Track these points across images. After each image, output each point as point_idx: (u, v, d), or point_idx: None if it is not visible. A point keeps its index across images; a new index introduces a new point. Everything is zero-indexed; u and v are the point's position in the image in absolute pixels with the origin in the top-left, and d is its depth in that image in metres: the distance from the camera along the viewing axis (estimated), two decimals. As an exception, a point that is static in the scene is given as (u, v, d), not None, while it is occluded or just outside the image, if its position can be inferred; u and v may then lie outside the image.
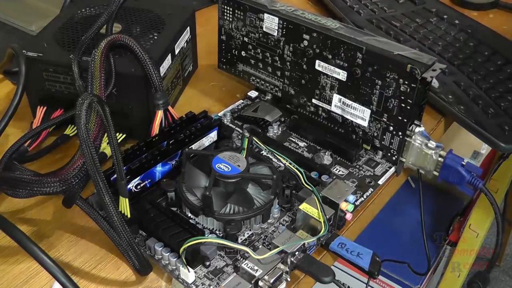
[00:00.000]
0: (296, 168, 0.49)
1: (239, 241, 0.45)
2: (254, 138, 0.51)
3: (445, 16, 0.78)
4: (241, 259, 0.43)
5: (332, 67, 0.53)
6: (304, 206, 0.45)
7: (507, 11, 0.86)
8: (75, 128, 0.53)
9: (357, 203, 0.49)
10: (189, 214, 0.47)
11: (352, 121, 0.54)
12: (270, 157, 0.53)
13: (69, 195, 0.45)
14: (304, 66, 0.55)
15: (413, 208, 0.63)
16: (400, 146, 0.51)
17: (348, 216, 0.47)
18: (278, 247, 0.41)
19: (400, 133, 0.51)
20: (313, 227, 0.44)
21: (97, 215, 0.44)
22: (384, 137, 0.52)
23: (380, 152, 0.54)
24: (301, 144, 0.56)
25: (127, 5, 0.57)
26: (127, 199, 0.42)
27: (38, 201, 0.49)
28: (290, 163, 0.50)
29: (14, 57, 0.54)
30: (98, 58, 0.48)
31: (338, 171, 0.53)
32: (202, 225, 0.46)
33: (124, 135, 0.54)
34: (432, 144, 0.50)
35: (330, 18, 0.55)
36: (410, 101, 0.49)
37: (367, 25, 0.75)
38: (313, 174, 0.50)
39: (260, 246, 0.45)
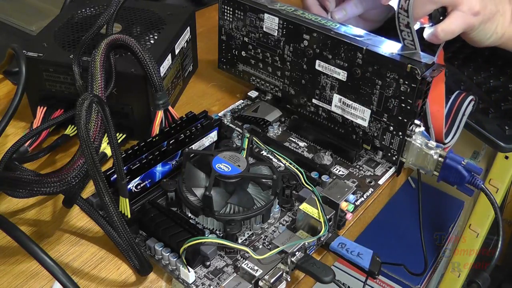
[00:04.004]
0: (296, 168, 0.49)
1: (239, 241, 0.45)
2: (254, 138, 0.51)
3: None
4: (241, 259, 0.43)
5: (332, 67, 0.53)
6: (304, 206, 0.45)
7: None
8: (75, 128, 0.53)
9: (357, 203, 0.49)
10: (189, 214, 0.47)
11: (352, 121, 0.54)
12: (270, 157, 0.53)
13: (69, 195, 0.45)
14: (304, 66, 0.55)
15: (413, 209, 0.63)
16: (400, 146, 0.51)
17: (348, 216, 0.47)
18: (278, 247, 0.41)
19: (400, 133, 0.51)
20: (313, 227, 0.44)
21: (97, 215, 0.44)
22: (384, 137, 0.52)
23: (380, 152, 0.54)
24: (301, 144, 0.56)
25: (127, 5, 0.57)
26: (127, 199, 0.42)
27: (38, 201, 0.49)
28: (290, 163, 0.50)
29: (14, 57, 0.54)
30: (98, 58, 0.48)
31: (338, 171, 0.53)
32: (202, 225, 0.46)
33: (124, 135, 0.54)
34: (432, 144, 0.50)
35: (330, 18, 0.55)
36: (410, 101, 0.49)
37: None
38: (313, 174, 0.50)
39: (260, 246, 0.45)
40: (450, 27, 0.54)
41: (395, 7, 0.49)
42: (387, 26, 0.74)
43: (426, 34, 0.56)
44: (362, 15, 0.65)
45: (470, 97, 0.53)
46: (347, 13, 0.63)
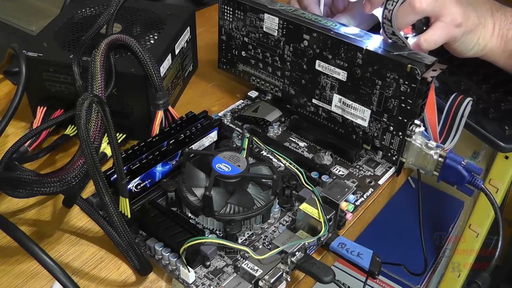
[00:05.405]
0: (296, 168, 0.49)
1: (239, 241, 0.45)
2: (254, 138, 0.51)
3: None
4: (241, 259, 0.43)
5: (332, 67, 0.53)
6: (304, 206, 0.45)
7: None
8: (75, 128, 0.53)
9: (357, 203, 0.49)
10: (189, 214, 0.47)
11: (352, 121, 0.54)
12: (270, 157, 0.53)
13: (69, 195, 0.45)
14: (304, 66, 0.55)
15: (413, 209, 0.63)
16: (400, 146, 0.51)
17: (348, 216, 0.47)
18: (278, 247, 0.41)
19: (400, 133, 0.51)
20: (313, 227, 0.44)
21: (97, 215, 0.44)
22: (384, 137, 0.52)
23: (380, 152, 0.54)
24: (301, 144, 0.56)
25: (127, 5, 0.57)
26: (127, 199, 0.42)
27: (38, 201, 0.49)
28: (290, 163, 0.50)
29: (14, 57, 0.54)
30: (98, 58, 0.48)
31: (338, 171, 0.53)
32: (202, 225, 0.46)
33: (124, 135, 0.54)
34: (432, 144, 0.50)
35: (330, 18, 0.55)
36: (410, 101, 0.49)
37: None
38: (313, 174, 0.50)
39: (260, 246, 0.45)
40: (432, 37, 0.54)
41: (380, 18, 0.50)
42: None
43: None
44: None
45: (468, 99, 0.53)
46: None
